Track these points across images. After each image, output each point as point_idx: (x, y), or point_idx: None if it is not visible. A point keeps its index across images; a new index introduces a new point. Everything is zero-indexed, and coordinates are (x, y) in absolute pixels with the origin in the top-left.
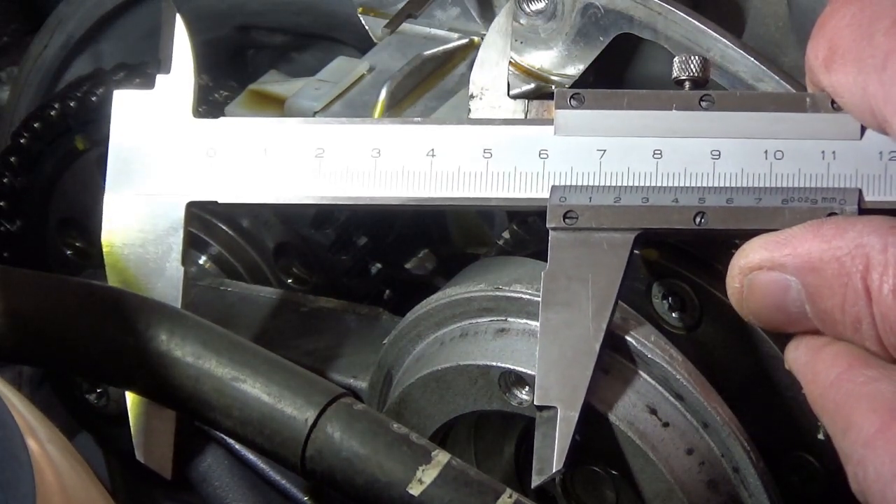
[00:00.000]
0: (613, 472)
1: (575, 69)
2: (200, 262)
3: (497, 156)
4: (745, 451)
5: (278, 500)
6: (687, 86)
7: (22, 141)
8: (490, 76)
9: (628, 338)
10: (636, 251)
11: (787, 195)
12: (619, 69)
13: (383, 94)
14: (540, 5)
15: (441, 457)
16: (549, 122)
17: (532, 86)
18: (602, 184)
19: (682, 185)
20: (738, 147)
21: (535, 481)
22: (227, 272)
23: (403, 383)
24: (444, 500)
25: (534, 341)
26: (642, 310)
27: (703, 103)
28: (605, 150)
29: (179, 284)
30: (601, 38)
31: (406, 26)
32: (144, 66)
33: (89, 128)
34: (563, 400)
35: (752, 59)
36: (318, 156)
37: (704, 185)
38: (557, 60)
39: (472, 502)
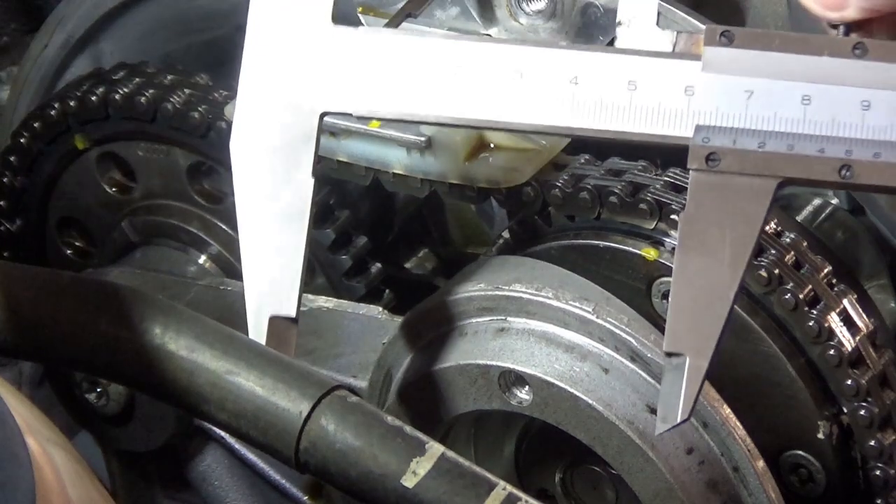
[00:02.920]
0: (613, 471)
1: None
2: (200, 261)
3: (642, 88)
4: (745, 450)
5: (277, 499)
6: (840, 31)
7: (22, 140)
8: (639, 4)
9: (628, 337)
10: (637, 250)
11: None
12: None
13: None
14: (540, 5)
15: (435, 449)
16: (697, 57)
17: None
18: (747, 127)
19: (828, 134)
20: (891, 99)
21: (660, 429)
22: (227, 272)
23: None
24: (438, 491)
25: (533, 340)
26: (642, 309)
27: (856, 51)
28: (752, 92)
29: (309, 196)
30: (601, 38)
31: (406, 26)
32: (144, 65)
33: (89, 127)
34: (694, 348)
35: None
36: (456, 74)
37: (852, 136)
38: None
39: (466, 494)
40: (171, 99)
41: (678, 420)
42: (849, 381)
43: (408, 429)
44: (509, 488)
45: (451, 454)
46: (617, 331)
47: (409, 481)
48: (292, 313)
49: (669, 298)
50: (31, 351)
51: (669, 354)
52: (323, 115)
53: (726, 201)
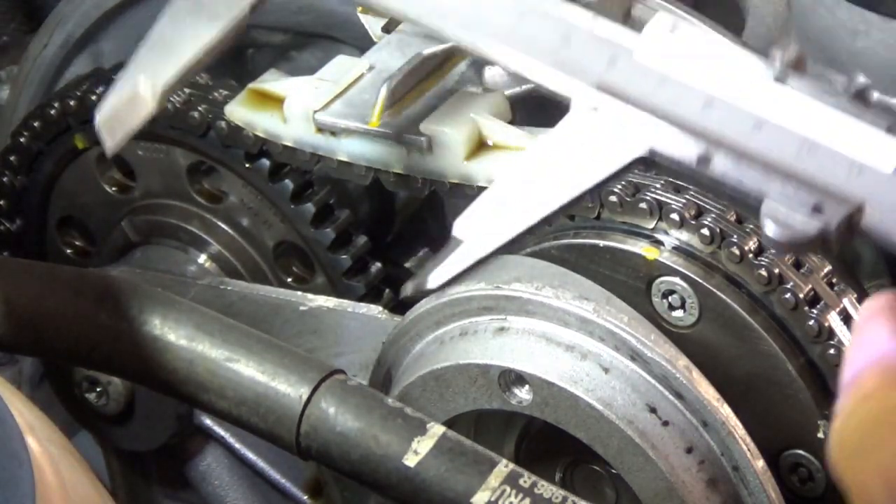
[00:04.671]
0: (613, 471)
1: None
2: (200, 261)
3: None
4: (745, 449)
5: (278, 499)
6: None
7: (22, 140)
8: None
9: (628, 337)
10: (637, 250)
11: None
12: None
13: (383, 92)
14: None
15: (436, 428)
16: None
17: (532, 85)
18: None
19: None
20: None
21: (404, 291)
22: (227, 271)
23: (403, 382)
24: (439, 469)
25: (533, 340)
26: (642, 308)
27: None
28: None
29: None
30: None
31: (405, 25)
32: None
33: (89, 127)
34: (475, 238)
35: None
36: None
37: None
38: None
39: (468, 472)
40: (171, 98)
41: (426, 286)
42: None
43: (408, 410)
44: (511, 465)
45: (452, 434)
46: (617, 330)
47: (410, 461)
48: (158, 88)
49: (490, 185)
50: (31, 345)
51: (453, 237)
52: None
53: (591, 148)
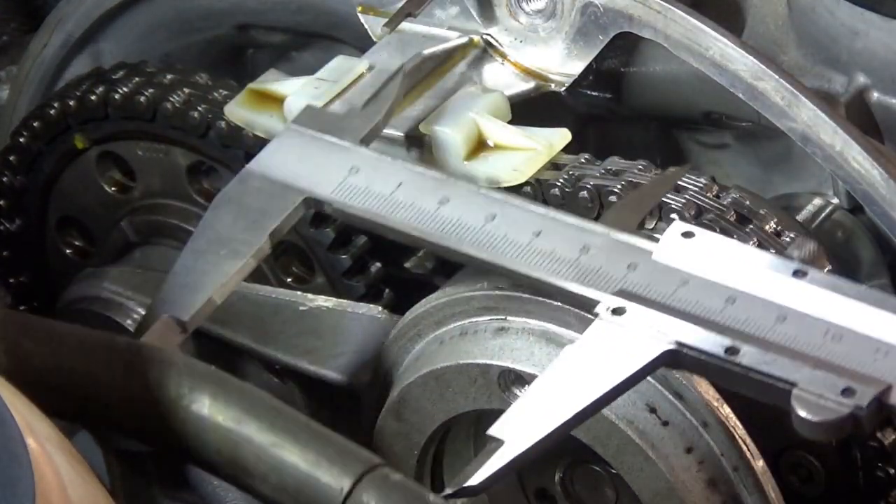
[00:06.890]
0: (613, 471)
1: (574, 68)
2: None
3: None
4: (745, 449)
5: None
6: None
7: (21, 140)
8: None
9: None
10: None
11: None
12: (618, 68)
13: (384, 93)
14: (539, 4)
15: None
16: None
17: (532, 85)
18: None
19: (742, 329)
20: (807, 320)
21: (449, 489)
22: None
23: (403, 382)
24: None
25: (533, 340)
26: None
27: (797, 275)
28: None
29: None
30: (601, 37)
31: (405, 25)
32: (144, 64)
33: (88, 127)
34: (514, 439)
35: (752, 57)
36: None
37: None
38: (557, 59)
39: None
40: (171, 98)
41: (467, 483)
42: None
43: None
44: None
45: None
46: None
47: None
48: (185, 317)
49: (525, 389)
50: (76, 417)
51: (491, 437)
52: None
53: (618, 347)
